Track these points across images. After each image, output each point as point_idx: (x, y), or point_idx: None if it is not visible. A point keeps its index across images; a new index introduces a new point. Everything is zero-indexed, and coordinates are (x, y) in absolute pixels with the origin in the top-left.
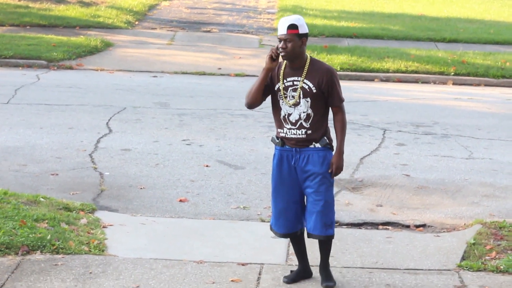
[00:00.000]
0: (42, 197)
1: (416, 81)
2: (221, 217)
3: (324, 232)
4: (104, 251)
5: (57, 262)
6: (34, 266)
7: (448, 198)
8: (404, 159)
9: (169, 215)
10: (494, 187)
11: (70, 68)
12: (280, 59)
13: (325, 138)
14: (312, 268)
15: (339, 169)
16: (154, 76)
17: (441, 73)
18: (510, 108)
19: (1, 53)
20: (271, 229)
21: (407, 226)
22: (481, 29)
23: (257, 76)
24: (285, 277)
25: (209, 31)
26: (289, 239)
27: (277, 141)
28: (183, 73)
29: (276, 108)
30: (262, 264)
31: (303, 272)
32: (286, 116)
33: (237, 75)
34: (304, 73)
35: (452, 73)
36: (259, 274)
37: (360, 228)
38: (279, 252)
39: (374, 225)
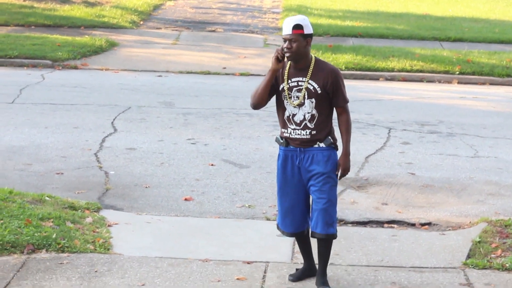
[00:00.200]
0: (47, 196)
1: (421, 80)
2: (226, 216)
3: (326, 231)
4: (110, 250)
5: (63, 260)
6: (40, 264)
7: (454, 197)
8: (409, 157)
9: (174, 213)
10: (499, 185)
11: (75, 67)
12: (285, 59)
13: (330, 138)
14: (317, 266)
15: (347, 170)
16: (159, 76)
17: (446, 72)
18: None
19: (6, 53)
20: (278, 228)
21: (413, 225)
22: (486, 28)
23: (262, 75)
24: (290, 275)
25: (214, 31)
26: (294, 237)
27: (281, 141)
28: (188, 72)
29: (280, 108)
30: (268, 262)
31: (308, 271)
32: (291, 117)
33: (242, 74)
34: (309, 73)
35: (457, 72)
36: (265, 272)
37: (365, 227)
38: (284, 251)
39: (379, 223)
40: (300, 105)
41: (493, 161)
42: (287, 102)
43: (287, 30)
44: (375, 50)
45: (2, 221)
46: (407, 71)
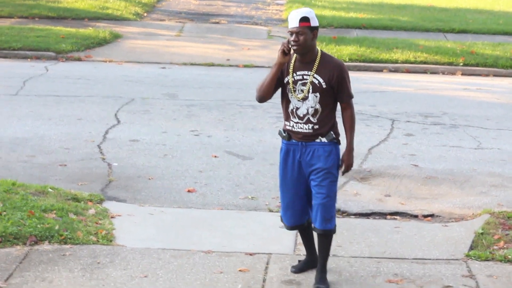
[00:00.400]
0: (50, 188)
1: (424, 71)
2: (229, 207)
3: (324, 226)
4: (112, 241)
5: (65, 252)
6: (42, 256)
7: (457, 188)
8: (412, 149)
9: (177, 205)
10: (502, 177)
11: (79, 59)
12: (292, 52)
13: (332, 132)
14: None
15: (350, 166)
16: (163, 68)
17: (450, 64)
18: None
19: (10, 45)
20: (282, 220)
21: (415, 216)
22: (490, 19)
23: (266, 67)
24: (293, 266)
25: (217, 23)
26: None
27: (284, 134)
28: (192, 64)
29: (284, 100)
30: (270, 254)
31: (311, 262)
32: (294, 110)
33: (245, 66)
34: (315, 67)
35: (461, 64)
36: (267, 264)
37: (368, 218)
38: (287, 242)
39: (382, 215)
40: (304, 99)
41: (496, 152)
42: (292, 95)
43: (294, 23)
44: (379, 41)
45: (5, 212)
46: (411, 63)
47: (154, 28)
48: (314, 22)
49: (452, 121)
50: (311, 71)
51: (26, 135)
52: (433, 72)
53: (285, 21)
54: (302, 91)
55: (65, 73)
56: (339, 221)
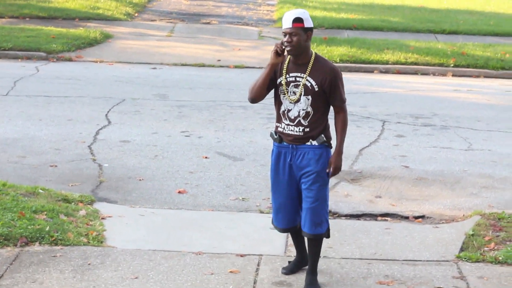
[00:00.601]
0: (41, 189)
1: (415, 72)
2: (220, 209)
3: (313, 231)
4: (103, 243)
5: (56, 253)
6: (33, 257)
7: (447, 190)
8: (403, 150)
9: (168, 206)
10: (493, 178)
11: (70, 60)
12: (285, 53)
13: (323, 136)
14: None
15: (337, 169)
16: (154, 68)
17: (441, 65)
18: (509, 100)
19: (0, 45)
20: (272, 223)
21: (406, 218)
22: (481, 20)
23: (257, 68)
24: (283, 268)
25: (208, 23)
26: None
27: (275, 137)
28: (183, 65)
29: (277, 101)
30: (261, 255)
31: (301, 262)
32: (286, 112)
33: (236, 66)
34: (308, 70)
35: (452, 65)
36: (258, 265)
37: (359, 219)
38: (277, 244)
39: (373, 216)
40: (296, 101)
41: (487, 154)
42: (284, 97)
43: (287, 24)
44: (370, 42)
45: None
46: (402, 64)
47: (145, 28)
48: (308, 23)
49: (443, 122)
50: (305, 73)
51: (16, 135)
52: (424, 73)
53: (276, 21)
54: (294, 93)
55: (55, 74)
56: (330, 223)
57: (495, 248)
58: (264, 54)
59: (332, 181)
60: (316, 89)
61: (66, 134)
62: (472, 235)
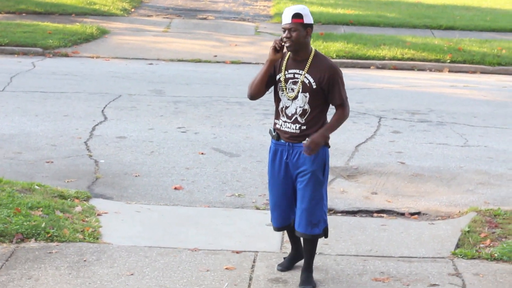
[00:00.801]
0: (37, 185)
1: (412, 68)
2: (216, 205)
3: (309, 231)
4: (99, 239)
5: (52, 250)
6: (29, 254)
7: (443, 186)
8: (399, 146)
9: (164, 202)
10: (489, 174)
11: (66, 55)
12: (285, 50)
13: None
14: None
15: (315, 144)
16: (150, 64)
17: (437, 61)
18: (505, 96)
19: None
20: (271, 221)
21: (402, 214)
22: (477, 16)
23: (253, 63)
24: (279, 264)
25: (205, 18)
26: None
27: (273, 134)
28: (179, 60)
29: (276, 98)
30: (257, 252)
31: (296, 257)
32: (284, 108)
33: (232, 62)
34: (307, 67)
35: (448, 61)
36: (254, 262)
37: (355, 216)
38: (273, 240)
39: (369, 212)
40: (294, 98)
41: (483, 150)
42: (282, 93)
43: (286, 19)
44: (366, 38)
45: None
46: (398, 60)
47: (141, 24)
48: (308, 19)
49: (439, 118)
50: (303, 70)
51: (12, 131)
52: (420, 69)
53: (272, 17)
54: (292, 90)
55: (52, 69)
56: None
57: (491, 244)
58: (261, 50)
59: (328, 177)
60: (314, 87)
61: (62, 130)
62: (468, 231)
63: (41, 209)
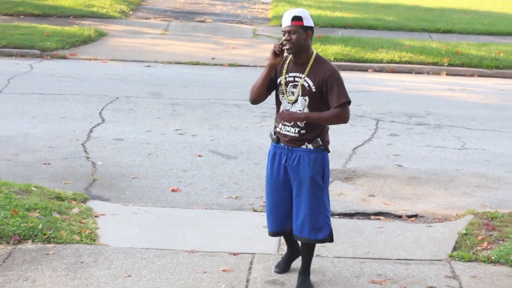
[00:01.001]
0: (34, 187)
1: (409, 71)
2: (213, 207)
3: (313, 236)
4: (96, 241)
5: (49, 251)
6: (26, 255)
7: (441, 189)
8: (396, 149)
9: (161, 204)
10: (486, 177)
11: (64, 57)
12: (286, 53)
13: (319, 139)
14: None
15: (288, 117)
16: (148, 66)
17: (435, 64)
18: (503, 99)
19: None
20: (267, 225)
21: (399, 217)
22: (475, 19)
23: (251, 66)
24: (276, 267)
25: (203, 21)
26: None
27: (274, 137)
28: (177, 63)
29: (277, 101)
30: (254, 254)
31: (292, 256)
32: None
33: (230, 65)
34: (307, 70)
35: (446, 64)
36: (251, 264)
37: (352, 218)
38: (270, 242)
39: (366, 215)
40: (294, 101)
41: (480, 153)
42: (283, 97)
43: (286, 22)
44: (364, 41)
45: None
46: (396, 63)
47: (139, 26)
48: (308, 22)
49: (437, 121)
50: (303, 73)
51: (10, 133)
52: (418, 72)
53: (270, 20)
54: (292, 93)
55: (49, 71)
56: None
57: (488, 247)
58: (259, 53)
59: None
60: (314, 90)
61: (60, 132)
62: (465, 234)
63: (38, 210)
